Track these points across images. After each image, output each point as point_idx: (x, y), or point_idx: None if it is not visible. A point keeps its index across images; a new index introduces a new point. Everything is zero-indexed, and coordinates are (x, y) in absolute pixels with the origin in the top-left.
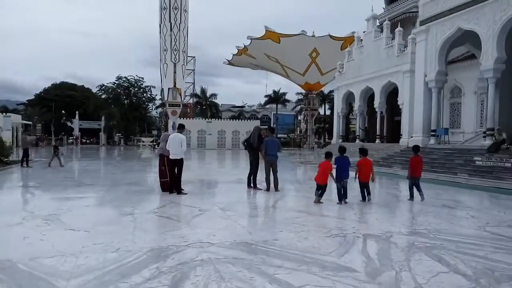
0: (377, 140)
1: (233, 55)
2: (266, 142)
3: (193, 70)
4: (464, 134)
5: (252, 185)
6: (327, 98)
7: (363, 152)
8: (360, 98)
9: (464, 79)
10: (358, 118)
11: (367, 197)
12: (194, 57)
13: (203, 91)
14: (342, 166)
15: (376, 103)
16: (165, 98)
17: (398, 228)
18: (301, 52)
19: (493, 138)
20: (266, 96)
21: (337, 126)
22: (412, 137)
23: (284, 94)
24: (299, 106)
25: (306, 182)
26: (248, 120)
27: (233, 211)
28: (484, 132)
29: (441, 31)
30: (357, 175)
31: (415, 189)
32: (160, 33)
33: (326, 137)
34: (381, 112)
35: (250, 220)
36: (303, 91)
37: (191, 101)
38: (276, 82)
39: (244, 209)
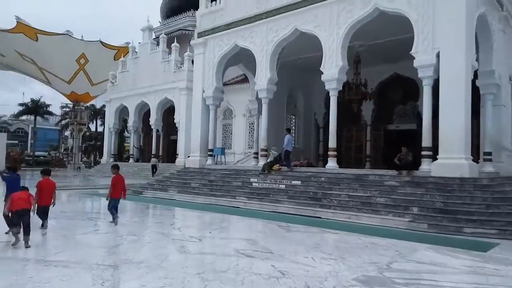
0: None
1: None
2: None
3: None
4: (235, 155)
5: None
6: (99, 113)
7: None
8: (135, 113)
9: (235, 102)
10: (132, 136)
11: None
12: None
13: None
14: (12, 185)
15: (152, 120)
16: None
17: None
18: (66, 56)
19: (273, 157)
20: (20, 104)
21: (108, 144)
22: (189, 156)
23: (47, 105)
24: (65, 120)
25: None
26: None
27: None
28: (256, 153)
29: (218, 46)
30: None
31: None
32: None
33: (97, 156)
34: (157, 130)
35: None
36: (70, 103)
37: None
38: (38, 92)
39: None
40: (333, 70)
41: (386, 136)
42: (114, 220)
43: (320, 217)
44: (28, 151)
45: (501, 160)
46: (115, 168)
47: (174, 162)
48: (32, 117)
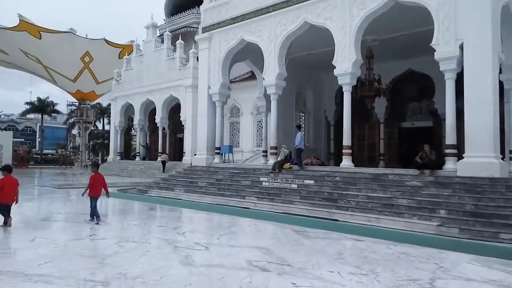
0: (159, 158)
1: None
2: None
3: None
4: (243, 153)
5: None
6: (106, 111)
7: (94, 165)
8: (141, 111)
9: (242, 100)
10: (138, 134)
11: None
12: None
13: None
14: None
15: (158, 118)
16: None
17: None
18: (71, 54)
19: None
20: (27, 103)
21: (115, 142)
22: (195, 154)
23: (54, 104)
24: (72, 119)
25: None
26: (1, 131)
27: None
28: (264, 151)
29: (224, 41)
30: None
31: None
32: None
33: (105, 155)
34: (163, 128)
35: None
36: (76, 101)
37: None
38: (46, 91)
39: None
40: (346, 64)
41: (400, 134)
42: (93, 220)
43: (337, 220)
44: (36, 149)
45: None
46: (95, 166)
47: (181, 160)
48: (40, 116)
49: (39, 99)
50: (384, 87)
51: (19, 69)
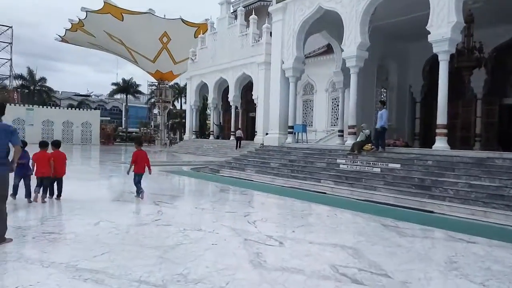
0: (232, 137)
1: (66, 30)
2: None
3: (9, 43)
4: (316, 132)
5: None
6: (183, 91)
7: (137, 142)
8: (215, 90)
9: (316, 76)
10: (212, 113)
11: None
12: (10, 27)
13: (31, 73)
14: None
15: (231, 97)
16: None
17: None
18: (150, 35)
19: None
20: (113, 84)
21: (190, 121)
22: (267, 134)
23: (137, 85)
24: (153, 99)
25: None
26: (90, 110)
27: None
28: (341, 131)
29: (299, 10)
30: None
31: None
32: None
33: (183, 133)
34: (236, 107)
35: None
36: (155, 81)
37: (8, 83)
38: (130, 73)
39: None
40: (444, 28)
41: (501, 112)
42: (139, 194)
43: (432, 211)
44: (122, 127)
45: None
46: (138, 143)
47: (253, 139)
48: (125, 96)
49: (123, 80)
50: (486, 56)
51: (105, 51)
